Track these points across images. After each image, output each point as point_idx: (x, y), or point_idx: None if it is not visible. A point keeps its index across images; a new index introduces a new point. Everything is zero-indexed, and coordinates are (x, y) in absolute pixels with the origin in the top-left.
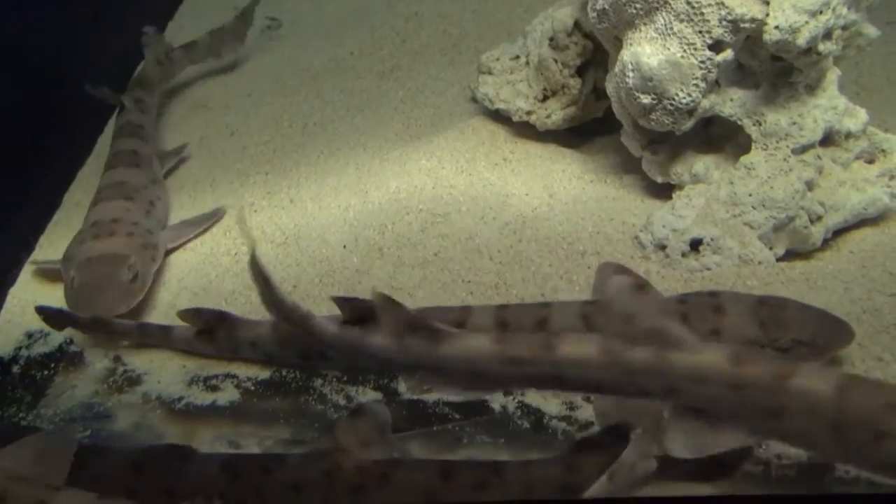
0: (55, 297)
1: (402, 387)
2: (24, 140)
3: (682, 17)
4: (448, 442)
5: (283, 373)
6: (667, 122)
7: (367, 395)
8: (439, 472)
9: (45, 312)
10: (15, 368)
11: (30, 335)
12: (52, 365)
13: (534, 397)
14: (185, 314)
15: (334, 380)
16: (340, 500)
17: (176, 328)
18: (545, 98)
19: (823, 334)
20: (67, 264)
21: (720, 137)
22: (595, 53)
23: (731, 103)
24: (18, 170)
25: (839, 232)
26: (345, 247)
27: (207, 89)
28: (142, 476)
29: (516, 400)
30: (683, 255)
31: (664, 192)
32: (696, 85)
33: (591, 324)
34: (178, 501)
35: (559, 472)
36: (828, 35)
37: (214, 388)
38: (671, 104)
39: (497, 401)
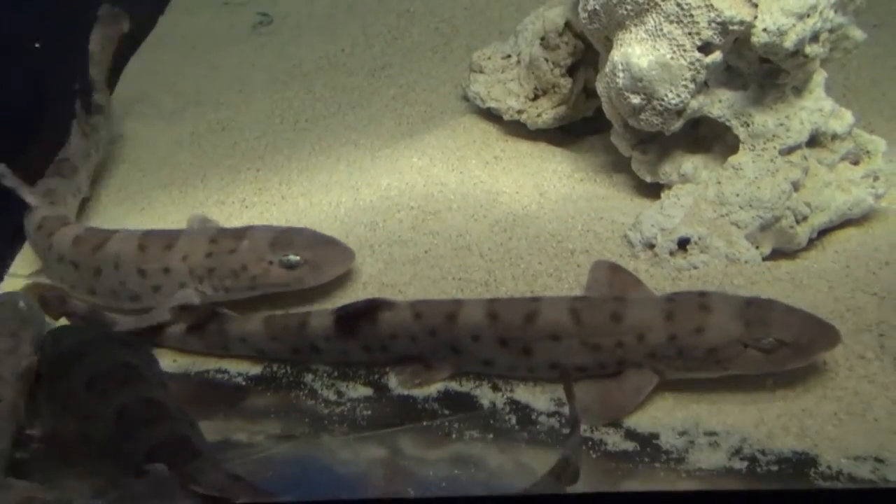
0: None
1: (392, 382)
2: (12, 132)
3: (672, 18)
4: (437, 437)
5: (274, 368)
6: (656, 122)
7: (357, 391)
8: None
9: (45, 297)
10: None
11: None
12: None
13: (522, 393)
14: (176, 311)
15: (325, 375)
16: None
17: (170, 328)
18: (536, 97)
19: (807, 336)
20: (261, 249)
21: (708, 138)
22: (586, 53)
23: (720, 104)
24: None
25: (824, 232)
26: None
27: (198, 84)
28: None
29: (505, 396)
30: (671, 253)
31: (653, 191)
32: (685, 86)
33: (580, 318)
34: None
35: None
36: (815, 38)
37: None
38: (660, 104)
39: (486, 397)
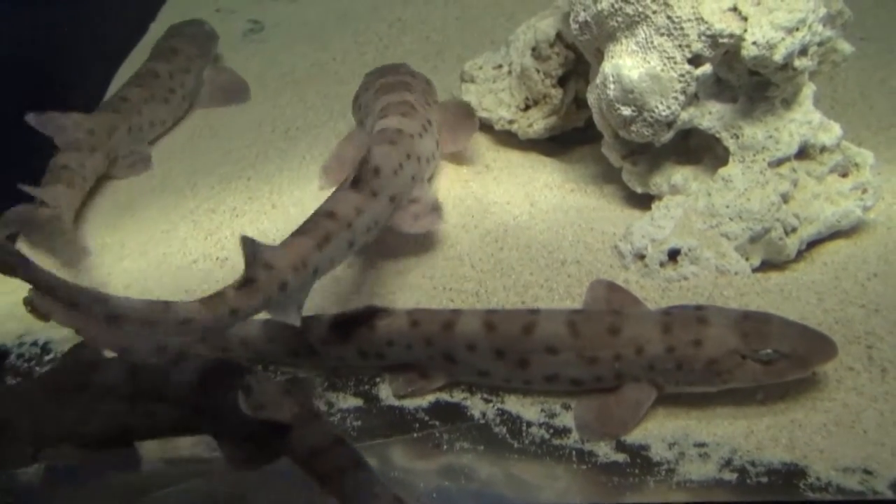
0: None
1: (383, 393)
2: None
3: (663, 31)
4: (428, 448)
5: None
6: (646, 133)
7: (347, 401)
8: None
9: (33, 302)
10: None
11: None
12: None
13: (513, 404)
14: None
15: (316, 386)
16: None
17: None
18: (527, 107)
19: (805, 348)
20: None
21: (699, 149)
22: (577, 64)
23: (710, 116)
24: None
25: (813, 244)
26: None
27: None
28: None
29: (496, 407)
30: (661, 264)
31: (644, 202)
32: (676, 98)
33: (577, 331)
34: None
35: None
36: (804, 51)
37: None
38: (651, 116)
39: (476, 407)
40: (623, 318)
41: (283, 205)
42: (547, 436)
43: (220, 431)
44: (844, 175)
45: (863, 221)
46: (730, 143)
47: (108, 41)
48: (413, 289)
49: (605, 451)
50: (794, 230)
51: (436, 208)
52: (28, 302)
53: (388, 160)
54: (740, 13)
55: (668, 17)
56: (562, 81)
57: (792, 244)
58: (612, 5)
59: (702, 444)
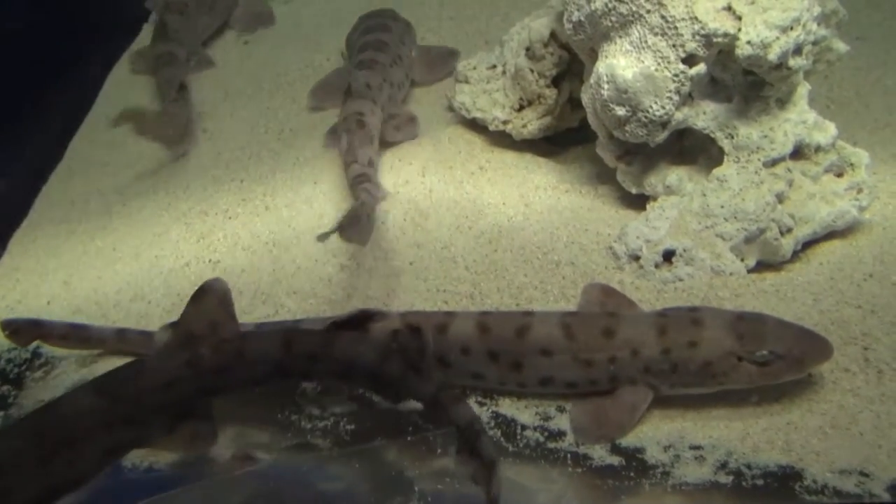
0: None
1: (376, 396)
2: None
3: (657, 30)
4: (422, 451)
5: None
6: (641, 133)
7: (341, 405)
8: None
9: (12, 326)
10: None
11: None
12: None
13: (508, 407)
14: (169, 327)
15: (308, 389)
16: (208, 385)
17: (157, 334)
18: (521, 107)
19: (801, 348)
20: None
21: (693, 149)
22: (571, 64)
23: (704, 116)
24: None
25: (809, 244)
26: (317, 259)
27: None
28: None
29: (490, 410)
30: (656, 265)
31: (638, 202)
32: (670, 98)
33: (571, 334)
34: None
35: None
36: (798, 50)
37: None
38: (645, 116)
39: None
40: (618, 321)
41: (277, 206)
42: (542, 439)
43: (170, 426)
44: (840, 175)
45: (858, 221)
46: (724, 143)
47: (104, 41)
48: (407, 291)
49: (600, 454)
50: (789, 230)
51: (412, 119)
52: (6, 326)
53: (374, 78)
54: (734, 12)
55: (662, 17)
56: (556, 81)
57: (787, 244)
58: (606, 5)
59: (697, 447)
